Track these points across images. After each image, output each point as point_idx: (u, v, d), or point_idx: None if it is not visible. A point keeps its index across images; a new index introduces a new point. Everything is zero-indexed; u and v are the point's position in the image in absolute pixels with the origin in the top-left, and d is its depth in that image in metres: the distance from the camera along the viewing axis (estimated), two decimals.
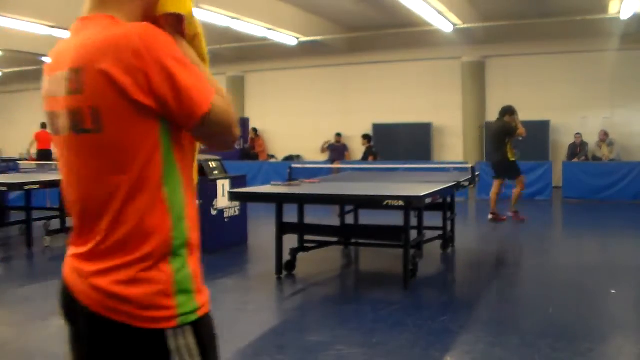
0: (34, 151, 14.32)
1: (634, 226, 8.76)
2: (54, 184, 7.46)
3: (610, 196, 11.14)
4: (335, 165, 11.19)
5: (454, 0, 11.60)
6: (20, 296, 5.02)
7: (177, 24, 1.33)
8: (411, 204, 4.66)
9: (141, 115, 1.21)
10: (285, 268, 5.41)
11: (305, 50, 15.13)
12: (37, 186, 6.96)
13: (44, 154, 13.86)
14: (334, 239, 6.02)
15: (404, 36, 14.09)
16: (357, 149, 14.90)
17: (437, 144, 15.44)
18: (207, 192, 6.29)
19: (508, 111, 8.68)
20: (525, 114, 9.58)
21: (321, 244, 5.86)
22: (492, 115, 14.49)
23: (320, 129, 15.57)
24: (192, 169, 1.37)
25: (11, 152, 17.51)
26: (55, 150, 1.42)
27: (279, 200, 5.32)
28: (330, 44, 14.92)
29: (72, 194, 1.35)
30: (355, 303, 4.64)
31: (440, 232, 6.31)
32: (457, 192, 6.34)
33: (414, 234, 5.16)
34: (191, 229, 1.32)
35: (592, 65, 13.66)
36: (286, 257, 5.41)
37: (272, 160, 15.99)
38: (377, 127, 15.45)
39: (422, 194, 4.64)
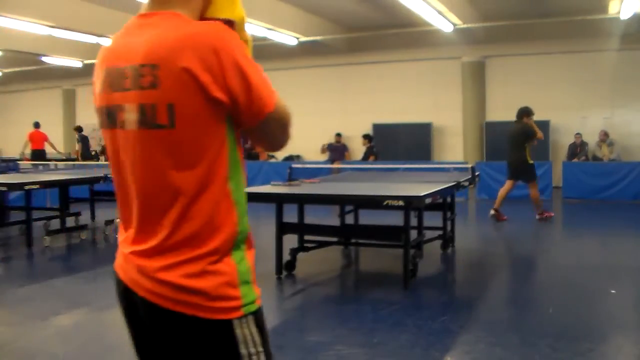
0: (28, 151, 14.30)
1: (634, 226, 8.75)
2: (54, 184, 7.49)
3: (610, 196, 11.13)
4: (335, 165, 11.18)
5: (454, 0, 11.59)
6: (20, 296, 5.02)
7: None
8: (411, 204, 4.67)
9: (214, 113, 1.24)
10: (285, 268, 5.42)
11: (306, 50, 15.12)
12: (37, 186, 6.95)
13: (38, 154, 13.86)
14: (334, 239, 6.02)
15: (404, 36, 14.10)
16: (357, 149, 14.89)
17: (437, 144, 15.43)
18: None
19: (525, 112, 8.64)
20: None
21: (321, 244, 5.86)
22: (492, 115, 14.59)
23: (320, 129, 15.54)
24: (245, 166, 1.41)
25: (11, 152, 17.50)
26: (106, 144, 1.38)
27: (279, 200, 5.32)
28: (331, 44, 14.91)
29: (133, 190, 1.33)
30: (355, 303, 4.65)
31: (440, 232, 6.31)
32: (457, 192, 6.35)
33: (414, 234, 5.17)
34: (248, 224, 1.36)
35: (592, 65, 13.64)
36: (286, 257, 5.42)
37: (272, 160, 15.96)
38: (377, 127, 15.44)
39: (422, 194, 4.64)
